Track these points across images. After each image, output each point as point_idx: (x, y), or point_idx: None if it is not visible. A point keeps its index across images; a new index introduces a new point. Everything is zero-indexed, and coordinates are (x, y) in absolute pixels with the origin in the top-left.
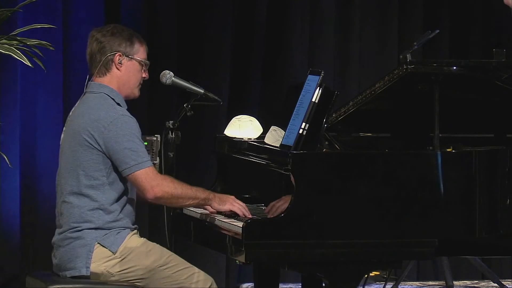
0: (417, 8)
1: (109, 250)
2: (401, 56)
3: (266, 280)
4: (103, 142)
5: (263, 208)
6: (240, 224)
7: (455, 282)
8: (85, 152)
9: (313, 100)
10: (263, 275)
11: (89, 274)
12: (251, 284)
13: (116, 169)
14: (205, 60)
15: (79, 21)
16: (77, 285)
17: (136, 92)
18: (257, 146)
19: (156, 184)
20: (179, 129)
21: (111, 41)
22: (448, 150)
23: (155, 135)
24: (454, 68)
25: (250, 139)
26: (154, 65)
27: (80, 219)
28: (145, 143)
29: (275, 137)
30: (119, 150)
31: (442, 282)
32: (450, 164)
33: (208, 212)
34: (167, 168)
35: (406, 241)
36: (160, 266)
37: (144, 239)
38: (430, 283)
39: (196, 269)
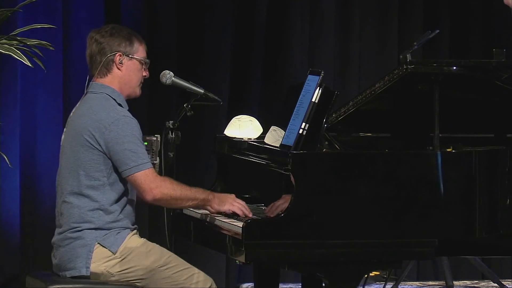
0: (417, 8)
1: (109, 250)
2: (401, 56)
3: (266, 280)
4: (104, 142)
5: (263, 208)
6: (240, 224)
7: (455, 282)
8: (86, 153)
9: (313, 100)
10: (263, 275)
11: (89, 274)
12: (251, 284)
13: (116, 169)
14: (205, 60)
15: (79, 21)
16: (77, 285)
17: (137, 91)
18: (257, 146)
19: (155, 186)
20: (179, 129)
21: (111, 42)
22: (448, 150)
23: (155, 135)
24: (454, 68)
25: (250, 139)
26: (154, 65)
27: (80, 219)
28: (145, 143)
29: (275, 137)
30: (120, 151)
31: (442, 282)
32: (450, 164)
33: (209, 212)
34: (167, 168)
35: (406, 241)
36: (160, 267)
37: (144, 239)
38: (430, 283)
39: (196, 270)
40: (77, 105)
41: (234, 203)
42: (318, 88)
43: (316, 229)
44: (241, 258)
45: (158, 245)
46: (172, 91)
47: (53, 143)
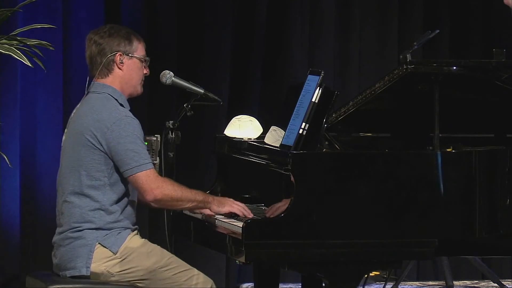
0: (417, 8)
1: (109, 250)
2: (401, 56)
3: (266, 280)
4: (105, 142)
5: (263, 208)
6: (240, 224)
7: (455, 282)
8: (87, 152)
9: (313, 100)
10: (263, 275)
11: (89, 274)
12: (251, 284)
13: (117, 170)
14: (205, 60)
15: (79, 21)
16: (77, 285)
17: (139, 89)
18: (257, 146)
19: (156, 186)
20: (179, 129)
21: (110, 42)
22: (448, 150)
23: (155, 135)
24: (454, 68)
25: (250, 139)
26: (154, 65)
27: (81, 219)
28: (145, 143)
29: (275, 137)
30: (121, 151)
31: (442, 282)
32: (450, 164)
33: (206, 214)
34: (167, 168)
35: (406, 241)
36: (161, 268)
37: (145, 240)
38: (430, 283)
39: (196, 271)
40: (78, 105)
41: (233, 205)
42: (318, 88)
43: (316, 229)
44: (241, 258)
45: (159, 246)
46: (172, 91)
47: (53, 143)
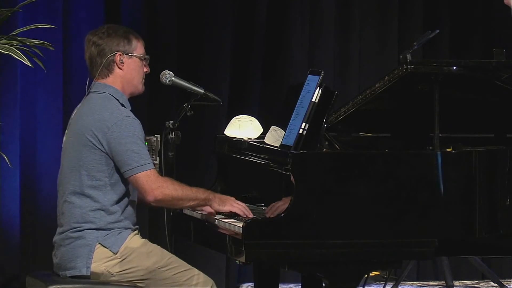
0: (417, 8)
1: (110, 250)
2: (401, 56)
3: (266, 280)
4: (106, 142)
5: (263, 208)
6: (240, 224)
7: (455, 282)
8: (88, 153)
9: (313, 100)
10: (263, 275)
11: (89, 274)
12: (251, 284)
13: (118, 170)
14: (205, 60)
15: (79, 21)
16: (77, 285)
17: (140, 88)
18: (257, 146)
19: (157, 186)
20: (179, 129)
21: (109, 42)
22: (448, 150)
23: (155, 135)
24: (454, 68)
25: (250, 139)
26: (154, 65)
27: (82, 219)
28: (145, 143)
29: (275, 137)
30: (122, 152)
31: (442, 282)
32: (450, 164)
33: (207, 212)
34: (167, 168)
35: (406, 241)
36: (161, 268)
37: (145, 240)
38: (430, 283)
39: (196, 271)
40: (79, 105)
41: (234, 204)
42: (318, 88)
43: (316, 229)
44: (241, 258)
45: (159, 246)
46: (172, 91)
47: (53, 143)
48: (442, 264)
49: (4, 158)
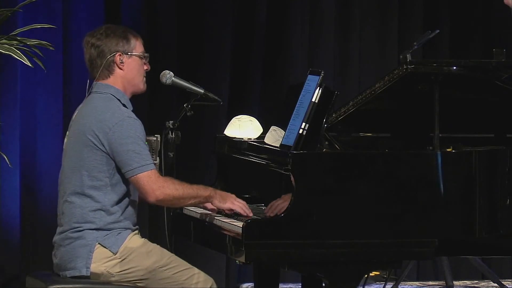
0: (417, 8)
1: (109, 250)
2: (401, 56)
3: (266, 280)
4: (107, 143)
5: (263, 208)
6: (240, 224)
7: (455, 282)
8: (89, 153)
9: (313, 100)
10: (263, 275)
11: (89, 274)
12: (251, 284)
13: (119, 170)
14: (205, 60)
15: (79, 21)
16: (77, 285)
17: (141, 86)
18: (257, 146)
19: (158, 187)
20: (179, 129)
21: (108, 43)
22: (448, 150)
23: (155, 135)
24: (454, 68)
25: (250, 139)
26: (154, 65)
27: (82, 220)
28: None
29: (275, 137)
30: (123, 152)
31: (442, 282)
32: (450, 164)
33: (208, 208)
34: (167, 168)
35: (406, 241)
36: (161, 267)
37: (145, 239)
38: (430, 283)
39: (196, 270)
40: (81, 105)
41: (235, 202)
42: (318, 88)
43: (316, 229)
44: (241, 258)
45: (158, 246)
46: (172, 91)
47: (53, 143)
48: (442, 264)
49: (4, 158)
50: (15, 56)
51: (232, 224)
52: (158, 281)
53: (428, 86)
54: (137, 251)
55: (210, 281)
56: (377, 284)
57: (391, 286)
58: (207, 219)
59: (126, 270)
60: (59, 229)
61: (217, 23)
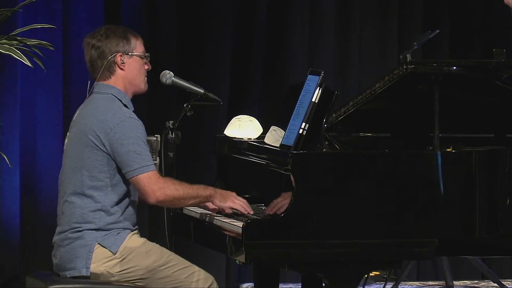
0: (417, 8)
1: (109, 250)
2: (401, 56)
3: (266, 280)
4: (108, 143)
5: (263, 208)
6: (240, 224)
7: (455, 282)
8: (90, 153)
9: (313, 100)
10: (263, 275)
11: (89, 275)
12: (251, 284)
13: (120, 171)
14: (205, 60)
15: (79, 21)
16: (77, 285)
17: (142, 86)
18: (257, 146)
19: (158, 188)
20: (179, 129)
21: (108, 44)
22: (448, 150)
23: (155, 135)
24: (454, 68)
25: (250, 139)
26: (154, 65)
27: (82, 220)
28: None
29: (275, 137)
30: (124, 153)
31: (442, 282)
32: (450, 164)
33: (209, 208)
34: (167, 168)
35: (406, 241)
36: (160, 266)
37: (144, 239)
38: (430, 283)
39: (197, 268)
40: (82, 105)
41: (235, 200)
42: (318, 88)
43: (316, 229)
44: (241, 258)
45: (158, 245)
46: (172, 91)
47: (53, 143)
48: (442, 264)
49: (4, 158)
50: (15, 56)
51: (232, 224)
52: (158, 280)
53: (428, 86)
54: (136, 250)
55: (210, 279)
56: (377, 284)
57: (391, 286)
58: (207, 219)
59: (126, 269)
60: (58, 229)
61: (217, 23)
